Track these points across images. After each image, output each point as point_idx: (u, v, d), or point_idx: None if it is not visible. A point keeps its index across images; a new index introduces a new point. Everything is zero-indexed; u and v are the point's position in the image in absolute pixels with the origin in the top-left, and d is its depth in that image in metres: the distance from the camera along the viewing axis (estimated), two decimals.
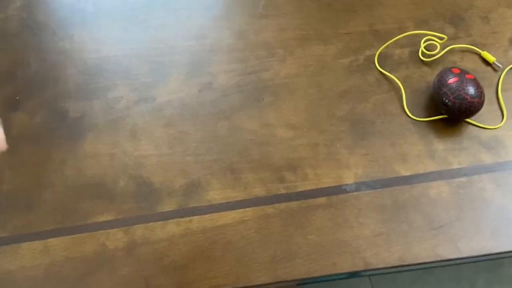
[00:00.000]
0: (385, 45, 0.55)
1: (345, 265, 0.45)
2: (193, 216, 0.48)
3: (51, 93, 0.59)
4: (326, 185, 0.49)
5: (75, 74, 0.60)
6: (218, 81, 0.56)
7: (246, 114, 0.54)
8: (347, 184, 0.48)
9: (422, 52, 0.54)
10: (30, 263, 0.47)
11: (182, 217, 0.49)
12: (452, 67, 0.49)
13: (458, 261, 0.45)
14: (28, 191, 0.52)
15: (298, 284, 1.00)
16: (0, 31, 0.65)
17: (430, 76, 0.53)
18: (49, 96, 0.58)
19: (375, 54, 0.55)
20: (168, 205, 0.49)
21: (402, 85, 0.53)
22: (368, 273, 0.53)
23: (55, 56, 0.62)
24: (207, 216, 0.48)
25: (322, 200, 0.48)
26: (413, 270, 0.95)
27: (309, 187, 0.49)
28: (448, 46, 0.54)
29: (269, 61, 0.57)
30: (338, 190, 0.48)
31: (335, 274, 0.44)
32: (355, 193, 0.48)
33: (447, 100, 0.47)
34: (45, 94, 0.59)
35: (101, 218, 0.50)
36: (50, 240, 0.49)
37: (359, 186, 0.48)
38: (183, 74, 0.58)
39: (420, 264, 0.44)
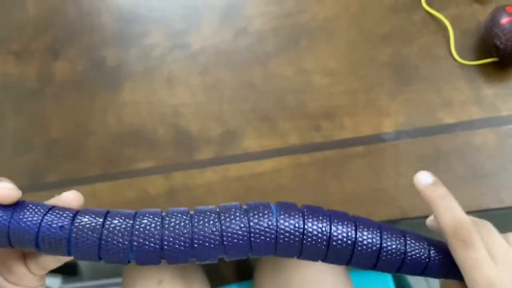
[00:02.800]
0: None
1: (381, 213, 0.45)
2: (229, 164, 0.49)
3: (88, 41, 0.59)
4: (364, 134, 0.47)
5: (111, 21, 0.60)
6: (253, 25, 0.55)
7: (282, 60, 0.52)
8: (386, 133, 0.47)
9: None
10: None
11: (219, 164, 0.49)
12: (506, 6, 0.44)
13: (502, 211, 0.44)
14: (74, 138, 0.55)
15: None
16: None
17: (482, 15, 0.49)
18: (87, 45, 0.59)
19: None
20: (206, 153, 0.50)
21: (451, 25, 0.49)
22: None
23: (90, 2, 0.61)
24: (243, 164, 0.49)
25: (359, 149, 0.47)
26: None
27: (346, 136, 0.48)
28: None
29: (307, 2, 0.54)
30: (377, 138, 0.47)
31: None
32: (394, 141, 0.47)
33: (498, 42, 0.44)
34: (84, 42, 0.59)
35: (143, 165, 0.51)
36: (96, 184, 0.52)
37: (399, 134, 0.47)
38: (217, 18, 0.56)
39: None
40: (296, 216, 0.28)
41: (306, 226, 0.28)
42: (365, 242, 0.28)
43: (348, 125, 0.48)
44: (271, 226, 0.28)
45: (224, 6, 0.56)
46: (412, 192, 0.44)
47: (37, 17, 0.62)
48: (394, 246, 0.28)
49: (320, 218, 0.28)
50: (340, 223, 0.28)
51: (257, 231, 0.27)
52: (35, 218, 0.27)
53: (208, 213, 0.28)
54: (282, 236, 0.27)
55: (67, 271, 1.23)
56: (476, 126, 0.45)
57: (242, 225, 0.27)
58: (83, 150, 0.53)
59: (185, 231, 0.27)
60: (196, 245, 0.27)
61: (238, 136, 0.50)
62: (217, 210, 0.29)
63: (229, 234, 0.27)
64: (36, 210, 0.28)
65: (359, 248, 0.28)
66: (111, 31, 0.59)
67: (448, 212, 0.28)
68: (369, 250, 0.28)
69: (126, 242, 0.27)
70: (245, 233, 0.27)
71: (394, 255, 0.28)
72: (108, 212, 0.28)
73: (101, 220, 0.27)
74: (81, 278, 1.25)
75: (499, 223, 0.31)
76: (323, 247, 0.28)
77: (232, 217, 0.28)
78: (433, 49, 0.49)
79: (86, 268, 1.24)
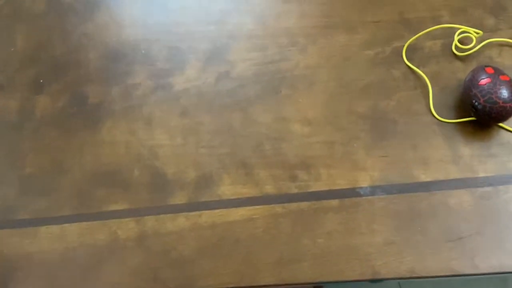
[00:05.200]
0: (415, 36, 0.51)
1: (353, 273, 0.43)
2: (203, 210, 0.48)
3: (73, 77, 0.59)
4: (340, 187, 0.47)
5: (96, 58, 0.60)
6: (235, 70, 0.55)
7: (262, 107, 0.52)
8: (361, 187, 0.46)
9: (456, 45, 0.49)
10: (47, 247, 0.50)
11: (192, 211, 0.49)
12: (485, 66, 0.44)
13: (475, 277, 0.42)
14: (49, 175, 0.54)
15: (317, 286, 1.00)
16: (26, 12, 0.65)
17: (463, 73, 0.49)
18: (71, 80, 0.59)
19: (403, 46, 0.51)
20: (180, 198, 0.49)
21: (430, 82, 0.49)
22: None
23: (78, 38, 0.62)
24: (216, 211, 0.48)
25: (334, 202, 0.46)
26: None
27: (322, 188, 0.47)
28: (485, 40, 0.49)
29: (290, 50, 0.54)
30: (352, 193, 0.46)
31: (341, 282, 0.43)
32: (369, 197, 0.46)
33: (476, 103, 0.43)
34: (68, 78, 0.59)
35: (115, 207, 0.50)
36: (66, 225, 0.51)
37: (374, 190, 0.46)
38: (201, 61, 0.56)
39: (433, 277, 0.42)
40: None
41: None
42: None
43: (324, 177, 0.47)
44: None
45: (208, 49, 0.57)
46: (386, 251, 0.43)
47: (24, 51, 0.62)
48: None
49: None
50: None
51: None
52: None
53: None
54: None
55: None
56: (452, 186, 0.45)
57: None
58: (56, 188, 0.52)
59: None
60: None
61: (213, 182, 0.49)
62: None
63: None
64: None
65: None
66: (96, 68, 0.59)
67: None
68: None
69: None
70: None
71: None
72: None
73: None
74: None
75: None
76: None
77: None
78: (412, 105, 0.49)
79: None
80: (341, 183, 0.47)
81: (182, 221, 0.48)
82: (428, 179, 0.45)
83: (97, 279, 0.47)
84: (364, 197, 0.46)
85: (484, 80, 0.44)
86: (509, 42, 0.49)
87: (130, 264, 0.47)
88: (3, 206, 0.53)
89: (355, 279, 0.43)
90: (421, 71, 0.50)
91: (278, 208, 0.47)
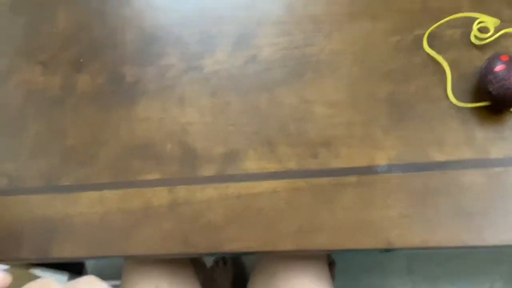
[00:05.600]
0: (436, 25, 0.53)
1: (368, 243, 0.47)
2: (230, 182, 0.52)
3: (110, 57, 0.64)
4: (358, 165, 0.50)
5: (133, 40, 0.64)
6: (263, 54, 0.58)
7: (287, 89, 0.55)
8: (378, 165, 0.49)
9: (474, 34, 0.52)
10: (87, 211, 0.54)
11: (219, 182, 0.53)
12: (501, 54, 0.47)
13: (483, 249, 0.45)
14: (88, 146, 0.58)
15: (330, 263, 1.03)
16: None
17: (480, 60, 0.51)
18: (109, 60, 0.63)
19: (424, 34, 0.54)
20: (208, 171, 0.53)
21: (450, 69, 0.52)
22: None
23: (115, 21, 0.66)
24: (242, 183, 0.52)
25: (352, 178, 0.50)
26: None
27: (341, 165, 0.50)
28: (502, 29, 0.51)
29: (315, 36, 0.58)
30: (370, 170, 0.50)
31: (357, 250, 0.47)
32: (386, 174, 0.49)
33: (491, 88, 0.46)
34: (106, 58, 0.64)
35: (149, 177, 0.55)
36: (105, 191, 0.55)
37: (390, 168, 0.49)
38: (230, 45, 0.60)
39: (443, 248, 0.46)
40: None
41: None
42: None
43: (344, 155, 0.51)
44: None
45: (236, 34, 0.60)
46: (400, 224, 0.47)
47: (65, 31, 0.67)
48: None
49: None
50: None
51: None
52: None
53: None
54: None
55: (73, 270, 1.27)
56: (465, 165, 0.48)
57: None
58: (95, 159, 0.57)
59: None
60: None
61: (240, 157, 0.53)
62: None
63: None
64: None
65: None
66: (132, 49, 0.63)
67: None
68: None
69: None
70: None
71: None
72: None
73: None
74: None
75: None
76: None
77: None
78: (430, 90, 0.51)
79: (92, 268, 1.28)
80: (360, 161, 0.50)
81: (210, 191, 0.52)
82: (443, 159, 0.48)
83: (133, 240, 0.52)
84: (380, 175, 0.49)
85: (498, 67, 0.46)
86: None
87: (163, 228, 0.52)
88: (47, 173, 0.58)
89: (370, 247, 0.46)
90: (441, 57, 0.52)
91: (299, 182, 0.51)
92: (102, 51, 0.64)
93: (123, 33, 0.65)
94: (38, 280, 0.33)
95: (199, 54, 0.60)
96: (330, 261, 1.12)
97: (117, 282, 1.12)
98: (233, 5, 0.62)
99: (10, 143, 0.61)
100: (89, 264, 1.29)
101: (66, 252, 0.53)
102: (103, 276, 1.29)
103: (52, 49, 0.66)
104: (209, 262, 1.19)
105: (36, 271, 1.06)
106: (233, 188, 0.52)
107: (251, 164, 0.53)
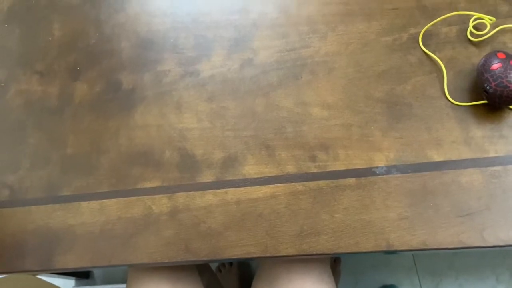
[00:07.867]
0: (432, 23, 0.53)
1: (368, 245, 0.47)
2: (229, 188, 0.52)
3: (107, 64, 0.64)
4: (357, 167, 0.50)
5: (129, 46, 0.64)
6: (258, 57, 0.58)
7: (284, 92, 0.55)
8: (377, 167, 0.49)
9: (470, 31, 0.51)
10: (88, 220, 0.55)
11: (219, 188, 0.53)
12: (497, 52, 0.46)
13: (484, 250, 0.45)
14: (88, 155, 0.59)
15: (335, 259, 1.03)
16: (63, 3, 0.70)
17: (477, 58, 0.51)
18: (106, 68, 0.64)
19: (420, 32, 0.54)
20: (207, 177, 0.54)
21: (445, 67, 0.51)
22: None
23: (111, 28, 0.66)
24: (241, 189, 0.52)
25: (351, 181, 0.50)
26: None
27: (340, 167, 0.50)
28: (499, 26, 0.51)
29: (310, 38, 0.57)
30: (368, 172, 0.49)
31: (357, 253, 0.47)
32: (384, 176, 0.49)
33: (488, 87, 0.46)
34: (103, 65, 0.64)
35: (149, 184, 0.55)
36: (105, 200, 0.56)
37: (389, 169, 0.49)
38: (226, 49, 0.60)
39: (443, 249, 0.45)
40: None
41: None
42: None
43: (342, 158, 0.51)
44: None
45: (232, 38, 0.60)
46: (399, 225, 0.47)
47: (61, 40, 0.67)
48: None
49: None
50: None
51: None
52: None
53: None
54: None
55: (80, 275, 1.28)
56: (464, 165, 0.47)
57: None
58: (95, 168, 0.57)
59: None
60: None
61: (238, 162, 0.53)
62: None
63: None
64: None
65: None
66: (128, 56, 0.63)
67: None
68: None
69: None
70: None
71: None
72: None
73: None
74: (93, 282, 1.29)
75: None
76: None
77: None
78: (427, 89, 0.51)
79: (99, 273, 1.29)
80: (358, 163, 0.50)
81: (210, 197, 0.53)
82: (441, 159, 0.48)
83: (134, 249, 0.52)
84: (379, 176, 0.49)
85: (495, 65, 0.46)
86: None
87: (163, 236, 0.52)
88: (47, 183, 0.58)
89: (370, 250, 0.46)
90: (437, 56, 0.52)
91: (298, 186, 0.51)
92: (98, 58, 0.64)
93: (118, 40, 0.65)
94: None
95: (195, 59, 0.60)
96: (335, 257, 1.12)
97: (123, 286, 1.13)
98: (228, 9, 0.62)
99: (10, 154, 0.61)
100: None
101: (69, 263, 0.53)
102: (111, 280, 1.30)
103: (48, 58, 0.66)
104: (213, 264, 1.19)
105: (43, 276, 1.07)
106: (232, 193, 0.52)
107: (250, 169, 0.53)
